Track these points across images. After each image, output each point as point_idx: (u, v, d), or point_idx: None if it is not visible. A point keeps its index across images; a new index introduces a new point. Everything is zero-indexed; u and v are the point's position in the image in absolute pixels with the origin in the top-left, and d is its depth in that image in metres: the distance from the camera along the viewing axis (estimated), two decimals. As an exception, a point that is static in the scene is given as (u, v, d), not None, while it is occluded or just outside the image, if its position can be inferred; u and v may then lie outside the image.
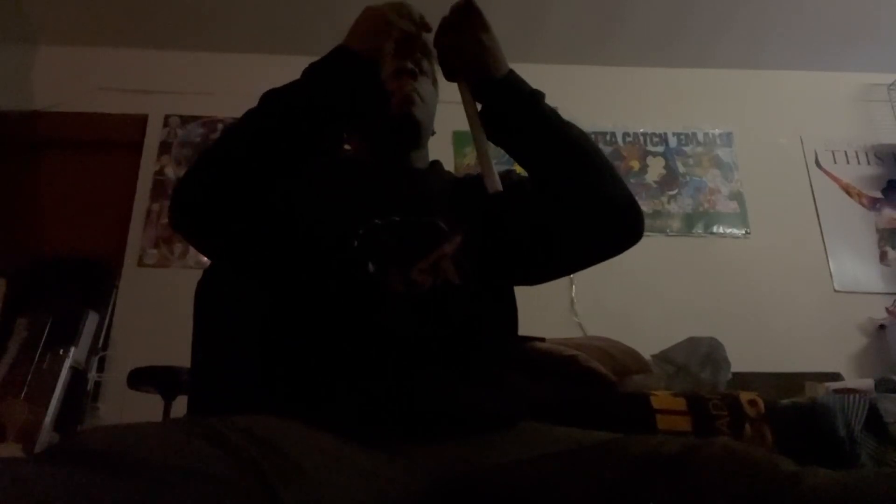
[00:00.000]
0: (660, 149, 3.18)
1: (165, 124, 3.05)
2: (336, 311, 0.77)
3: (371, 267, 0.78)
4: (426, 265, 0.81)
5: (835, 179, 3.16)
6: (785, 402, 1.68)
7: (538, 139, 0.85)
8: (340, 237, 0.80)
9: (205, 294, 0.96)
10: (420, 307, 0.77)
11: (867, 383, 1.98)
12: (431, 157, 1.01)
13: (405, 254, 0.81)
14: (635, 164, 3.14)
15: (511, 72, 0.87)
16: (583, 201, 0.83)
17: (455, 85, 0.89)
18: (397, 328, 0.76)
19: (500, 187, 0.79)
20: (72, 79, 3.06)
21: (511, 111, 0.86)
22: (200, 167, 0.78)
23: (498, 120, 0.86)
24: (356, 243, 0.80)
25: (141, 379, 2.00)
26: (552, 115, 0.87)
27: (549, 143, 0.85)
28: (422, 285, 0.79)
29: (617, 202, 0.83)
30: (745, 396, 1.62)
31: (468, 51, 0.85)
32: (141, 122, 3.05)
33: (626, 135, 3.20)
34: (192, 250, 2.83)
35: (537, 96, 0.87)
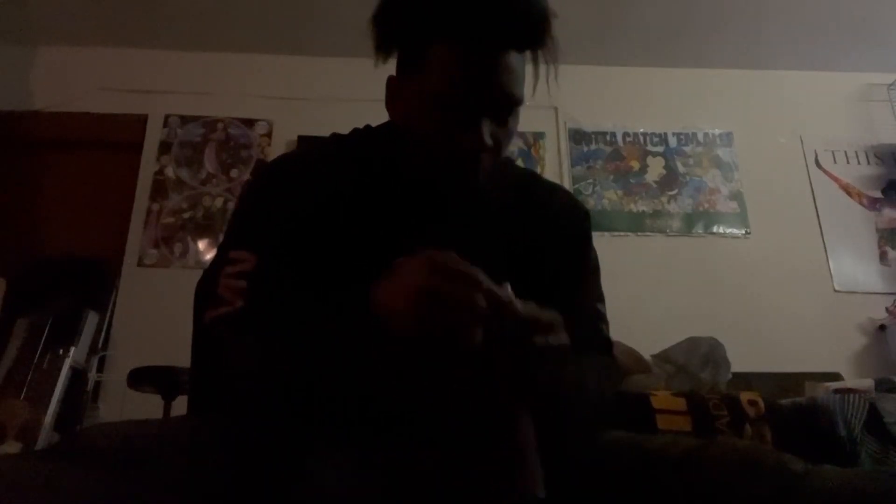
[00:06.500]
0: (660, 149, 3.18)
1: (165, 124, 3.05)
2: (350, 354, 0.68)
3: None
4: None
5: (835, 179, 3.16)
6: (785, 402, 1.68)
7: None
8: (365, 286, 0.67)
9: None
10: (440, 369, 0.69)
11: (867, 383, 1.98)
12: None
13: None
14: (635, 164, 3.14)
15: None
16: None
17: None
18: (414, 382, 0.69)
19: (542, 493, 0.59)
20: (72, 79, 3.06)
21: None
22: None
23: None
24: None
25: (141, 379, 2.00)
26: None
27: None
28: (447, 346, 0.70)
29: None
30: (745, 396, 1.62)
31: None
32: (141, 122, 3.05)
33: (626, 135, 3.19)
34: (191, 250, 2.83)
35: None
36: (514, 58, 0.73)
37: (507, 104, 0.73)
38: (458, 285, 0.57)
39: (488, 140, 0.71)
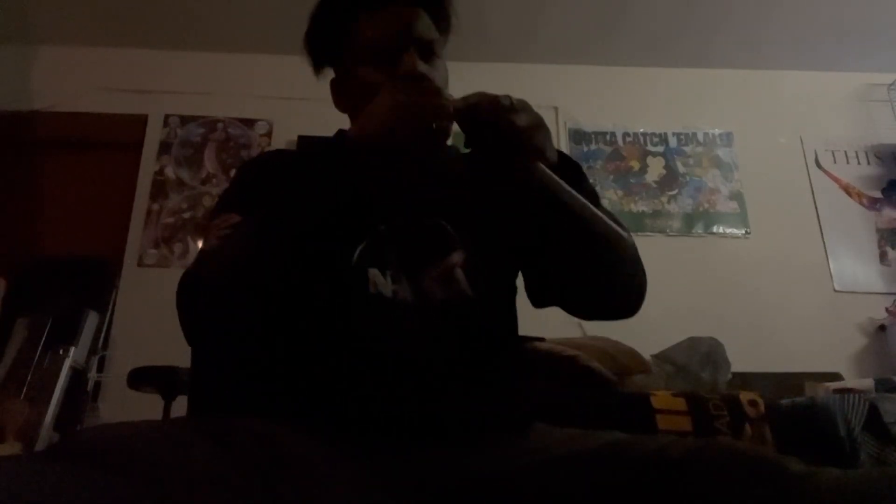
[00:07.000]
0: (660, 149, 3.18)
1: (165, 124, 3.05)
2: (341, 325, 0.74)
3: (378, 279, 0.76)
4: (437, 275, 0.78)
5: (835, 179, 3.16)
6: (785, 402, 1.68)
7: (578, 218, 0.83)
8: (344, 247, 0.76)
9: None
10: (431, 321, 0.76)
11: (867, 383, 1.98)
12: None
13: (414, 262, 0.78)
14: (635, 164, 3.14)
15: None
16: (598, 284, 0.87)
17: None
18: (407, 343, 0.73)
19: None
20: (72, 79, 3.06)
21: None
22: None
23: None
24: (360, 255, 0.76)
25: (141, 379, 2.00)
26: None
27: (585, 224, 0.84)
28: (433, 297, 0.77)
29: (629, 292, 0.92)
30: (745, 396, 1.62)
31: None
32: (141, 122, 3.05)
33: (626, 135, 3.19)
34: (191, 250, 2.83)
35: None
36: (423, 13, 0.87)
37: (426, 39, 0.85)
38: (427, 94, 0.71)
39: (420, 64, 0.81)
